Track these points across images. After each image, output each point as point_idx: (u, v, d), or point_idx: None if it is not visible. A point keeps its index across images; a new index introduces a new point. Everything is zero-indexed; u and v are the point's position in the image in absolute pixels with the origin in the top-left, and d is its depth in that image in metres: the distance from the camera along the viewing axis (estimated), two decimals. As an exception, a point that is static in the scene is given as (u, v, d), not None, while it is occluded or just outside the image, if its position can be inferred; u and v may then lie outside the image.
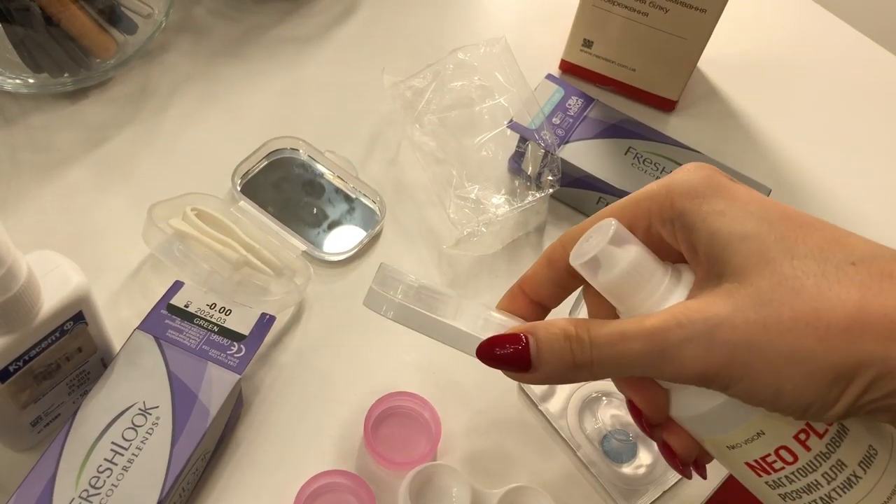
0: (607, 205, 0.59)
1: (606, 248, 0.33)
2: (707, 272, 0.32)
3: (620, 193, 0.58)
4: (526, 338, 0.33)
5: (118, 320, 0.52)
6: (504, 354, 0.34)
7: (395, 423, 0.50)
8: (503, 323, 0.37)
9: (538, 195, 0.57)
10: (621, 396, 0.53)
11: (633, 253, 0.33)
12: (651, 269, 0.33)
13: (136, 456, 0.43)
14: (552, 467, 0.50)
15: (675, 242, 0.34)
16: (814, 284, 0.29)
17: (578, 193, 0.60)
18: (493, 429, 0.51)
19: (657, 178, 0.59)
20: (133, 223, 0.54)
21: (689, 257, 0.34)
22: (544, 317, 0.39)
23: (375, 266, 0.57)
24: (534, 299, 0.39)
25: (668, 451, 0.37)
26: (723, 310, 0.30)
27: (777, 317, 0.29)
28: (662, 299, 0.33)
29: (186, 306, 0.49)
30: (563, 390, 0.53)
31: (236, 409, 0.49)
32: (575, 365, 0.32)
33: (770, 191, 0.60)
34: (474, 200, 0.56)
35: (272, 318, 0.49)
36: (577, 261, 0.34)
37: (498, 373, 0.51)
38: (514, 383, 0.53)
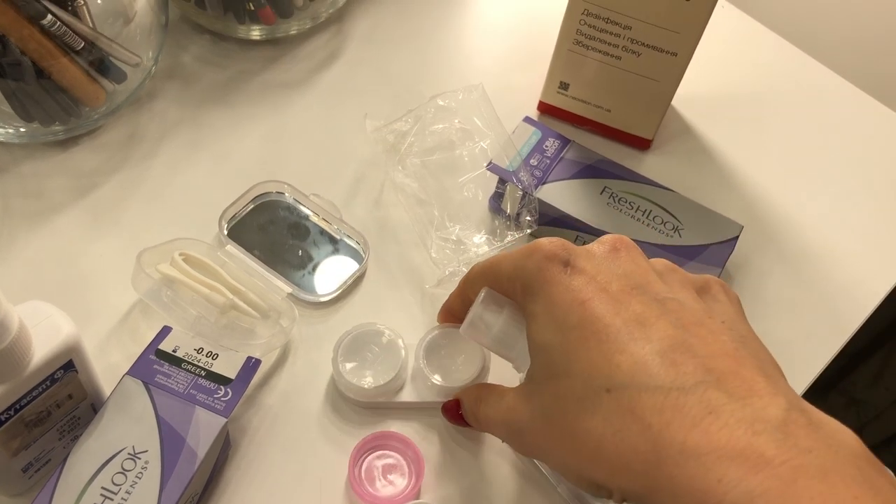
0: (584, 244, 0.61)
1: (481, 313, 0.42)
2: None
3: (597, 232, 0.60)
4: (456, 405, 0.49)
5: (108, 365, 0.53)
6: (454, 418, 0.50)
7: (381, 460, 0.52)
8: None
9: (517, 235, 0.59)
10: None
11: (504, 315, 0.41)
12: (521, 329, 0.41)
13: (126, 500, 0.44)
14: (534, 503, 0.52)
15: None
16: (575, 409, 0.34)
17: (557, 232, 0.62)
18: (475, 466, 0.53)
19: (632, 216, 0.61)
20: (122, 269, 0.56)
21: None
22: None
23: (360, 306, 0.59)
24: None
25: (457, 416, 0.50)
26: (523, 416, 0.39)
27: (553, 431, 0.36)
28: (526, 362, 0.40)
29: (174, 351, 0.50)
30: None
31: (224, 450, 0.50)
32: (478, 427, 0.47)
33: (742, 227, 0.62)
34: (455, 240, 0.58)
35: (258, 362, 0.51)
36: (463, 332, 0.45)
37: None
38: (495, 420, 0.55)
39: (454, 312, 0.49)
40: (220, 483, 0.50)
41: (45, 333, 0.43)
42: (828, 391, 1.30)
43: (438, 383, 0.53)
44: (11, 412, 0.43)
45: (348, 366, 0.53)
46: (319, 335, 0.57)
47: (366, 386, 0.52)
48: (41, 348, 0.43)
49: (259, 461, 0.51)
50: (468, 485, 0.52)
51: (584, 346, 0.34)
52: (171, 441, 0.46)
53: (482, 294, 0.41)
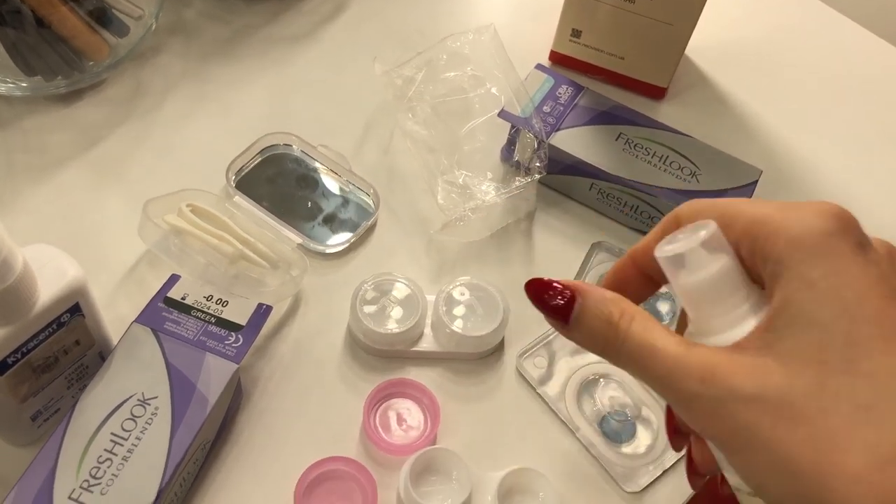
0: (599, 191, 0.60)
1: (697, 249, 0.30)
2: (766, 327, 0.29)
3: (613, 179, 0.58)
4: (573, 298, 0.31)
5: (116, 317, 0.52)
6: (548, 302, 0.32)
7: (393, 408, 0.51)
8: None
9: (525, 180, 0.57)
10: (620, 378, 0.53)
11: (722, 263, 0.30)
12: (734, 286, 0.30)
13: (136, 446, 0.43)
14: (552, 450, 0.50)
15: (755, 271, 0.30)
16: (847, 413, 0.26)
17: (570, 180, 0.60)
18: (493, 413, 0.52)
19: (648, 162, 0.59)
20: (128, 221, 0.55)
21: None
22: (653, 291, 0.35)
23: (371, 256, 0.57)
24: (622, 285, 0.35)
25: (689, 462, 0.36)
26: (747, 387, 0.27)
27: (795, 424, 0.26)
28: (734, 323, 0.30)
29: (183, 298, 0.49)
30: (560, 373, 0.53)
31: (235, 399, 0.49)
32: (604, 349, 0.31)
33: (761, 172, 0.60)
34: (462, 186, 0.57)
35: (269, 308, 0.50)
36: (661, 253, 0.31)
37: (496, 358, 0.52)
38: (512, 368, 0.53)
39: (638, 260, 0.35)
40: (233, 431, 0.49)
41: (50, 275, 0.42)
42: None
43: (459, 332, 0.51)
44: (18, 355, 0.42)
45: (367, 311, 0.52)
46: (331, 286, 0.56)
47: (385, 332, 0.51)
48: (47, 290, 0.42)
49: (272, 410, 0.50)
50: (485, 434, 0.51)
51: (884, 346, 0.27)
52: (182, 387, 0.45)
53: (709, 226, 0.30)
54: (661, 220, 0.33)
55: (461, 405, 0.52)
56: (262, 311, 0.49)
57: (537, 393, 0.52)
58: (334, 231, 0.58)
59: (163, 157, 0.60)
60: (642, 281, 0.34)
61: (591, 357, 0.54)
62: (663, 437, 0.51)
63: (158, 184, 0.58)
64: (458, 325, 0.52)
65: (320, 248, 0.57)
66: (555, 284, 0.32)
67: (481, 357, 0.54)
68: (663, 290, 0.56)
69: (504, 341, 0.54)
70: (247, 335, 0.48)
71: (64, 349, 0.45)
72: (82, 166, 0.59)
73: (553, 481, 0.47)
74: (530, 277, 0.32)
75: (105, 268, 0.54)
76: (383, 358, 0.53)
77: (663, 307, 0.57)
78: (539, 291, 0.32)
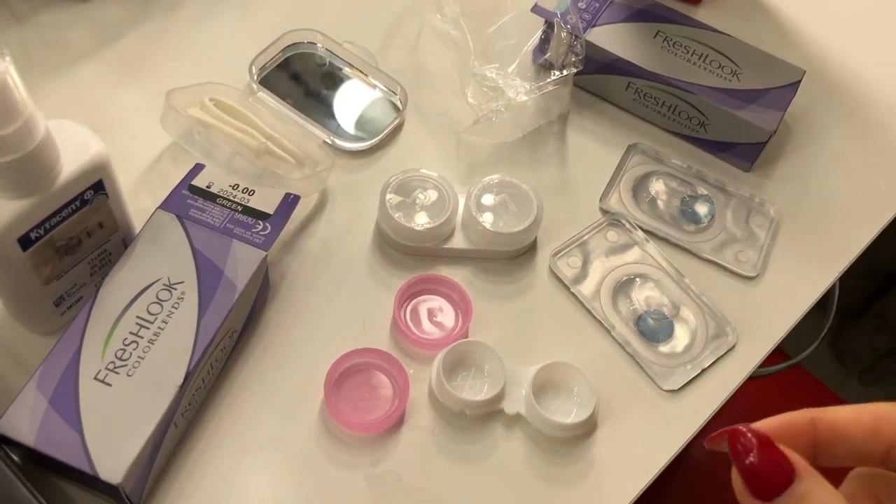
0: (636, 91, 0.58)
1: None
2: None
3: (651, 76, 0.56)
4: (790, 476, 0.23)
5: (138, 210, 0.50)
6: (751, 465, 0.24)
7: (424, 304, 0.49)
8: None
9: (559, 74, 0.55)
10: (657, 278, 0.52)
11: None
12: None
13: (163, 329, 0.42)
14: (586, 348, 0.49)
15: None
16: None
17: (605, 80, 0.58)
18: (525, 311, 0.50)
19: (688, 60, 0.57)
20: (149, 116, 0.53)
21: None
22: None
23: (398, 155, 0.56)
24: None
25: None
26: None
27: None
28: None
29: (209, 187, 0.47)
30: (595, 273, 0.52)
31: (263, 290, 0.47)
32: None
33: (804, 71, 0.58)
34: (493, 82, 0.54)
35: (297, 198, 0.48)
36: None
37: (528, 258, 0.50)
38: (545, 268, 0.52)
39: (841, 442, 0.27)
40: (261, 323, 0.47)
41: (73, 149, 0.40)
42: (860, 314, 1.26)
43: (491, 229, 0.50)
44: (41, 231, 0.40)
45: (396, 206, 0.50)
46: (358, 184, 0.54)
47: (415, 228, 0.49)
48: (70, 163, 0.40)
49: (300, 304, 0.49)
50: (518, 331, 0.49)
51: None
52: (209, 273, 0.44)
53: None
54: (860, 412, 0.26)
55: (493, 303, 0.50)
56: (290, 201, 0.48)
57: (571, 292, 0.51)
58: (360, 130, 0.56)
59: (184, 54, 0.58)
60: (808, 449, 0.27)
61: (628, 257, 0.53)
62: (701, 336, 0.50)
63: (180, 81, 0.55)
64: (489, 222, 0.50)
65: (346, 145, 0.55)
66: (772, 450, 0.23)
67: (513, 256, 0.52)
68: (702, 191, 0.54)
69: (537, 241, 0.53)
70: (275, 223, 0.46)
71: (87, 231, 0.43)
72: (101, 62, 0.57)
73: (589, 376, 0.46)
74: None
75: (127, 161, 0.52)
76: (413, 256, 0.51)
77: (701, 209, 0.55)
78: (742, 445, 0.24)
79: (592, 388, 0.46)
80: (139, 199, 0.51)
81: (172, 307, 0.42)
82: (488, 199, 0.52)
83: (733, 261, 0.53)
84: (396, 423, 0.45)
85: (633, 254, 0.53)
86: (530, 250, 0.52)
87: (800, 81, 0.57)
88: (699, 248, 0.53)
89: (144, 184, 0.52)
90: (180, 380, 0.40)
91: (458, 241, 0.51)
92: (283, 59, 0.58)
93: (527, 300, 0.51)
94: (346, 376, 0.46)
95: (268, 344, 0.47)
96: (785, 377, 0.76)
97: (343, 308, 0.49)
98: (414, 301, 0.49)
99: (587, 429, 0.46)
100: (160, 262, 0.44)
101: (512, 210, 0.51)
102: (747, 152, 0.57)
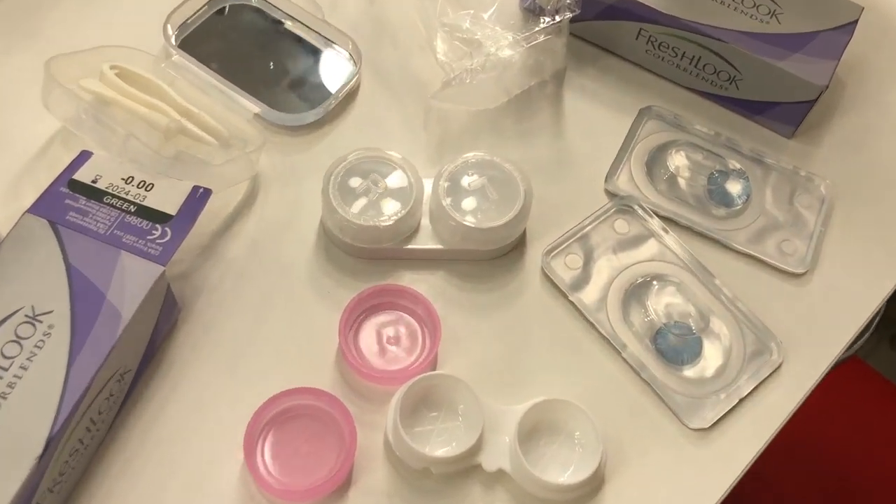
0: (649, 40, 0.46)
1: None
2: None
3: (668, 20, 0.44)
4: None
5: (19, 209, 0.40)
6: None
7: (380, 324, 0.39)
8: None
9: (551, 21, 0.43)
10: (679, 279, 0.41)
11: None
12: None
13: (20, 378, 0.31)
14: (589, 376, 0.39)
15: None
16: None
17: (611, 27, 0.47)
18: (510, 329, 0.39)
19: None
20: (36, 90, 0.42)
21: None
22: None
23: (352, 129, 0.45)
24: None
25: None
26: None
27: None
28: None
29: (94, 182, 0.37)
30: (600, 275, 0.41)
31: (167, 314, 0.37)
32: None
33: (861, 9, 0.46)
34: (468, 33, 0.43)
35: (207, 192, 0.37)
36: None
37: (515, 258, 0.39)
38: (536, 270, 0.41)
39: None
40: (167, 358, 0.37)
41: None
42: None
43: (467, 224, 0.39)
44: None
45: (345, 198, 0.39)
46: (300, 168, 0.43)
47: (369, 225, 0.38)
48: None
49: (220, 329, 0.38)
50: (500, 356, 0.39)
51: None
52: (87, 298, 0.33)
53: None
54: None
55: (469, 319, 0.39)
56: (199, 197, 0.37)
57: (570, 301, 0.40)
58: (304, 99, 0.45)
59: (83, 8, 0.47)
60: None
61: (642, 253, 0.42)
62: (738, 355, 0.39)
63: (79, 42, 0.44)
64: (465, 215, 0.40)
65: (286, 119, 0.44)
66: None
67: (496, 256, 0.41)
68: (734, 165, 0.43)
69: (526, 235, 0.42)
70: (178, 227, 0.36)
71: (-81, 248, 0.33)
72: (-21, 23, 0.46)
73: (592, 416, 0.35)
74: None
75: (9, 147, 0.42)
76: (368, 260, 0.41)
77: (734, 188, 0.44)
78: None
79: (598, 433, 0.35)
80: (22, 194, 0.41)
81: (35, 347, 0.32)
82: (463, 184, 0.41)
83: (776, 253, 0.42)
84: (341, 487, 0.35)
85: (649, 248, 0.42)
86: (517, 248, 0.42)
87: (856, 22, 0.45)
88: (732, 239, 0.43)
89: (29, 175, 0.42)
90: (40, 449, 0.30)
91: (424, 240, 0.41)
92: (207, 14, 0.47)
93: (512, 314, 0.40)
94: (276, 425, 0.36)
95: (175, 385, 0.37)
96: (838, 372, 0.64)
97: (275, 333, 0.38)
98: (369, 319, 0.39)
99: (592, 486, 0.36)
100: (23, 285, 0.33)
101: (493, 197, 0.41)
102: (790, 114, 0.46)
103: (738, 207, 0.44)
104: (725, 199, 0.44)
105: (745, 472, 0.37)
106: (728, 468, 0.37)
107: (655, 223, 0.43)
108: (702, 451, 0.37)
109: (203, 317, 0.38)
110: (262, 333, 0.38)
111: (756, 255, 0.43)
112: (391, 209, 0.40)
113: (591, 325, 0.40)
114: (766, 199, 0.45)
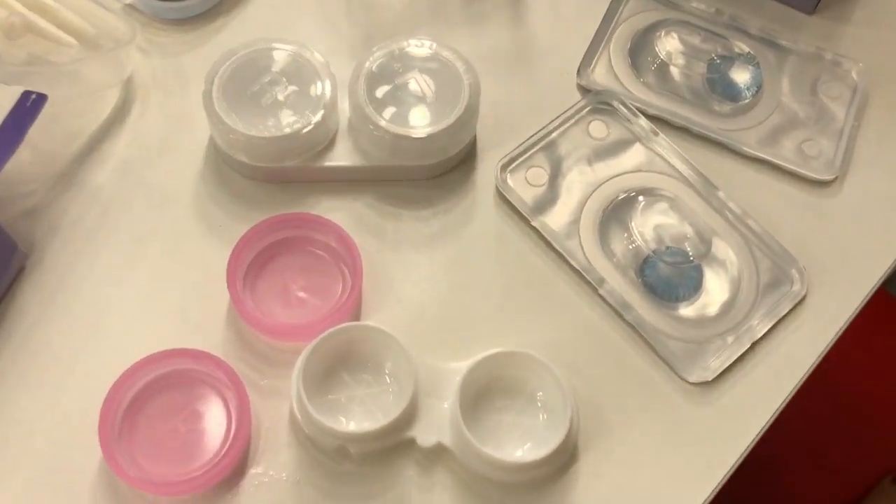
0: None
1: None
2: None
3: None
4: None
5: None
6: None
7: (283, 266, 0.30)
8: None
9: None
10: (672, 193, 0.32)
11: None
12: None
13: None
14: (557, 320, 0.31)
15: None
16: None
17: None
18: (454, 267, 0.31)
19: None
20: None
21: None
22: None
23: (252, 23, 0.35)
24: None
25: None
26: None
27: None
28: None
29: None
30: (570, 191, 0.32)
31: (6, 260, 0.28)
32: None
33: None
34: None
35: (41, 98, 0.29)
36: None
37: (462, 174, 0.32)
38: (489, 188, 0.32)
39: None
40: (8, 315, 0.29)
41: None
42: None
43: (396, 132, 0.30)
44: None
45: (236, 104, 0.30)
46: (186, 71, 0.35)
47: (268, 137, 0.30)
48: None
49: (80, 276, 0.30)
50: (442, 301, 0.30)
51: None
52: None
53: None
54: None
55: (402, 255, 0.31)
56: (31, 105, 0.28)
57: (532, 227, 0.31)
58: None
59: None
60: None
61: (624, 163, 0.33)
62: (749, 286, 0.30)
63: None
64: (393, 121, 0.31)
65: (166, 9, 0.35)
66: None
67: (436, 174, 0.33)
68: (740, 47, 0.34)
69: (476, 145, 0.33)
70: (0, 145, 0.27)
71: None
72: None
73: (559, 372, 0.27)
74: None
75: None
76: (271, 184, 0.32)
77: (740, 76, 0.35)
78: None
79: (567, 393, 0.27)
80: None
81: None
82: (391, 81, 0.31)
83: (796, 157, 0.34)
84: (233, 474, 0.27)
85: (634, 156, 0.33)
86: (464, 163, 0.34)
87: None
88: (740, 141, 0.34)
89: None
90: None
91: (342, 156, 0.32)
92: None
93: (458, 248, 0.32)
94: (146, 400, 0.27)
95: (16, 352, 0.28)
96: (874, 305, 0.55)
97: (151, 280, 0.30)
98: (270, 262, 0.30)
99: (560, 463, 0.27)
100: None
101: (430, 98, 0.32)
102: (811, -19, 0.36)
103: (747, 101, 0.35)
104: (730, 92, 0.35)
105: (760, 436, 0.28)
106: (738, 432, 0.28)
107: (642, 124, 0.34)
108: (704, 410, 0.29)
109: (58, 263, 0.30)
110: (133, 282, 0.30)
111: (771, 159, 0.34)
112: (295, 117, 0.31)
113: (560, 255, 0.31)
114: (781, 89, 0.36)
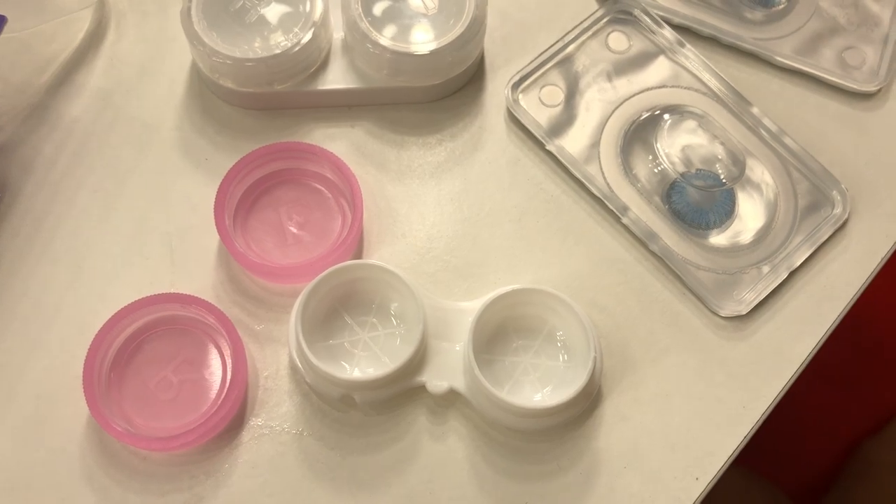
0: None
1: None
2: None
3: None
4: None
5: None
6: None
7: (277, 201, 0.28)
8: None
9: None
10: (701, 110, 0.29)
11: None
12: None
13: None
14: (575, 252, 0.28)
15: None
16: None
17: None
18: (462, 197, 0.28)
19: None
20: None
21: None
22: None
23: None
24: None
25: None
26: None
27: None
28: None
29: None
30: (589, 111, 0.29)
31: (-28, 202, 0.26)
32: None
33: None
34: None
35: (0, 20, 0.25)
36: None
37: (470, 94, 0.29)
38: (498, 106, 0.29)
39: None
40: (-20, 261, 0.27)
41: None
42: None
43: (396, 49, 0.27)
44: None
45: (213, 24, 0.28)
46: None
47: (252, 58, 0.27)
48: None
49: (57, 217, 0.27)
50: (446, 231, 0.28)
51: None
52: None
53: None
54: None
55: (405, 187, 0.29)
56: (-11, 28, 0.25)
57: (546, 151, 0.29)
58: None
59: None
60: None
61: (648, 77, 0.30)
62: (787, 210, 0.28)
63: None
64: (392, 37, 0.28)
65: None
66: None
67: (441, 96, 0.30)
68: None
69: (484, 63, 0.30)
70: (-44, 76, 0.24)
71: None
72: None
73: (581, 310, 0.25)
74: None
75: None
76: (259, 111, 0.30)
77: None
78: None
79: (589, 331, 0.25)
80: None
81: None
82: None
83: (836, 67, 0.31)
84: (231, 427, 0.25)
85: (658, 70, 0.30)
86: (472, 83, 0.31)
87: None
88: (774, 51, 0.31)
89: None
90: None
91: (336, 78, 0.29)
92: None
93: (466, 176, 0.29)
94: (134, 349, 0.25)
95: (-8, 298, 0.26)
96: None
97: (134, 219, 0.28)
98: (262, 197, 0.28)
99: (581, 407, 0.25)
100: None
101: (431, 9, 0.28)
102: None
103: (782, 6, 0.32)
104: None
105: (799, 374, 0.26)
106: (775, 370, 0.26)
107: (666, 35, 0.30)
108: (737, 347, 0.26)
109: (34, 204, 0.28)
110: (115, 222, 0.27)
111: (809, 70, 0.30)
112: (283, 35, 0.28)
113: (579, 182, 0.28)
114: (820, -8, 0.32)
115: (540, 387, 0.25)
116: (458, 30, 0.28)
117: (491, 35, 0.30)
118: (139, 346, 0.25)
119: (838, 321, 0.27)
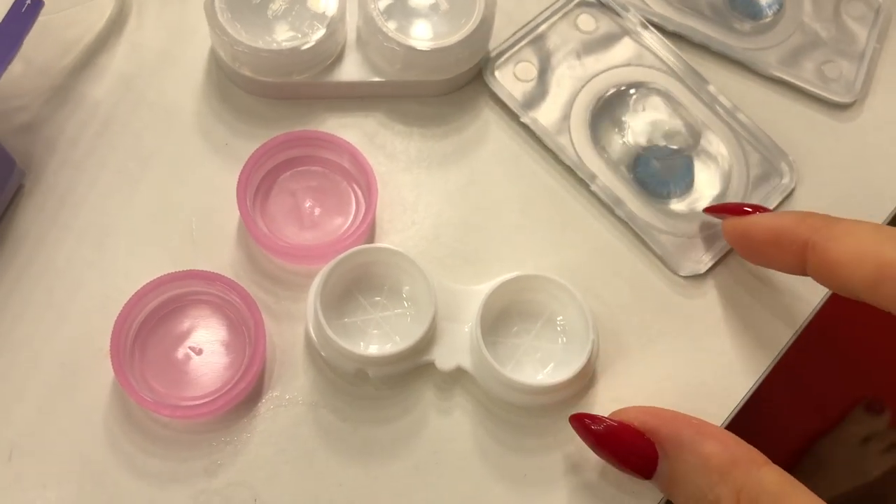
0: None
1: None
2: None
3: None
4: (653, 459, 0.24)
5: None
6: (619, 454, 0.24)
7: (299, 185, 0.29)
8: None
9: None
10: (664, 87, 0.32)
11: None
12: None
13: None
14: (547, 219, 0.30)
15: None
16: None
17: None
18: (471, 186, 0.30)
19: None
20: None
21: None
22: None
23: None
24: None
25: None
26: None
27: None
28: None
29: None
30: (560, 85, 0.31)
31: (5, 176, 0.27)
32: None
33: None
34: None
35: (37, 4, 0.26)
36: None
37: (471, 92, 0.30)
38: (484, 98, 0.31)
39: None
40: (8, 239, 0.28)
41: None
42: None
43: (411, 45, 0.29)
44: None
45: (236, 17, 0.29)
46: None
47: (271, 49, 0.28)
48: None
49: (79, 196, 0.28)
50: (455, 217, 0.29)
51: None
52: None
53: None
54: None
55: (417, 175, 0.30)
56: (26, 10, 0.26)
57: (522, 123, 0.30)
58: None
59: None
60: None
61: (615, 56, 0.33)
62: (739, 178, 0.30)
63: None
64: (405, 31, 0.29)
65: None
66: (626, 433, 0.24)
67: (453, 89, 0.31)
68: None
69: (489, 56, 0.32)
70: (-6, 55, 0.25)
71: None
72: None
73: (578, 296, 0.27)
74: None
75: None
76: (277, 100, 0.31)
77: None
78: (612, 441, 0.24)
79: (588, 318, 0.26)
80: None
81: None
82: (402, -8, 0.30)
83: (816, 78, 0.33)
84: (248, 399, 0.26)
85: (623, 50, 0.33)
86: (478, 77, 0.32)
87: None
88: (760, 60, 0.33)
89: None
90: None
91: (351, 71, 0.31)
92: None
93: (474, 165, 0.30)
94: (157, 322, 0.27)
95: (20, 271, 0.27)
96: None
97: (155, 200, 0.29)
98: (279, 181, 0.29)
99: (581, 385, 0.27)
100: None
101: (443, 7, 0.30)
102: None
103: (768, 19, 0.34)
104: (751, 9, 0.34)
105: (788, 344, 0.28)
106: (731, 321, 0.28)
107: (631, 18, 0.32)
108: (696, 303, 0.28)
109: (58, 182, 0.29)
110: (137, 202, 0.29)
111: (791, 80, 0.33)
112: (303, 28, 0.29)
113: (551, 153, 0.30)
114: (803, 8, 0.34)
115: (540, 367, 0.27)
116: (468, 28, 0.30)
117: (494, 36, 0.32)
118: (163, 319, 0.27)
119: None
